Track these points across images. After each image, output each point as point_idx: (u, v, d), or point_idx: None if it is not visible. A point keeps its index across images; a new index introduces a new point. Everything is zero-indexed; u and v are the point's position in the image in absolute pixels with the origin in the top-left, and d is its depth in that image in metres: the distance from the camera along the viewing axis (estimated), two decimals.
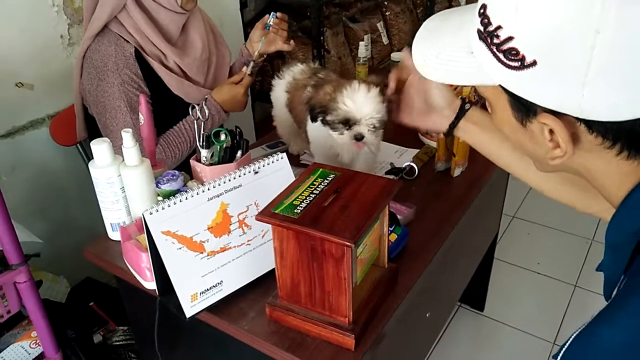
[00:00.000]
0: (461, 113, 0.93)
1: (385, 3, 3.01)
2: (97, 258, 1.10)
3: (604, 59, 0.47)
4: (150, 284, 0.98)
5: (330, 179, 0.89)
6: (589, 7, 0.46)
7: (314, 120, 1.14)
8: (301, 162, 1.41)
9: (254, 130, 2.56)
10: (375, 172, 1.30)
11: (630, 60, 0.46)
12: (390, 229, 1.03)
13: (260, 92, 2.53)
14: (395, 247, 1.03)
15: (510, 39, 0.51)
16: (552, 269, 2.36)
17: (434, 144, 1.35)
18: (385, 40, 2.92)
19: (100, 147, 1.02)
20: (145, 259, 0.96)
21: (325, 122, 1.12)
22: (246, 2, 2.52)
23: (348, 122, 1.08)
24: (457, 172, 1.29)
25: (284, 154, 1.02)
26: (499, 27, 0.52)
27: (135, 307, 1.19)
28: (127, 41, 1.38)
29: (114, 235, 1.11)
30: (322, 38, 2.35)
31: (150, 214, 0.86)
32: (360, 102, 1.06)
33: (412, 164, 1.31)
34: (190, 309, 0.90)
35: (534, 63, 0.50)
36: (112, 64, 1.36)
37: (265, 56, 1.61)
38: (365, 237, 0.85)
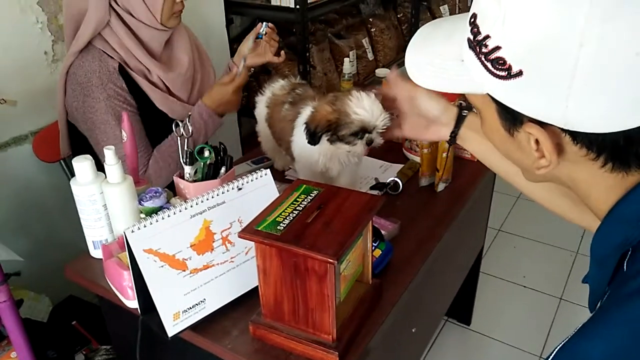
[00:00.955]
0: (460, 121, 0.93)
1: (371, 20, 3.04)
2: (78, 276, 1.09)
3: (587, 71, 0.47)
4: (132, 303, 0.97)
5: (313, 195, 0.89)
6: (573, 21, 0.47)
7: (316, 142, 1.12)
8: (286, 177, 1.41)
9: (240, 146, 2.55)
10: (358, 186, 1.31)
11: (613, 73, 0.47)
12: (375, 244, 1.03)
13: (246, 108, 2.53)
14: (380, 262, 1.03)
15: (497, 48, 0.52)
16: (538, 282, 2.38)
17: (417, 159, 1.35)
18: (370, 56, 2.95)
19: (82, 165, 1.02)
20: (127, 277, 0.95)
21: (335, 139, 1.11)
22: (232, 19, 2.54)
23: (364, 131, 1.09)
24: (441, 187, 1.30)
25: (268, 170, 1.02)
26: (487, 37, 0.53)
27: (117, 326, 1.17)
28: (111, 57, 1.38)
29: (96, 253, 1.10)
30: (307, 54, 2.37)
31: (132, 231, 0.85)
32: (371, 108, 1.07)
33: (396, 179, 1.32)
34: (172, 328, 0.88)
35: (520, 73, 0.51)
36: (97, 79, 1.35)
37: (252, 70, 1.60)
38: (348, 253, 0.84)
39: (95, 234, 1.08)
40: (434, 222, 1.19)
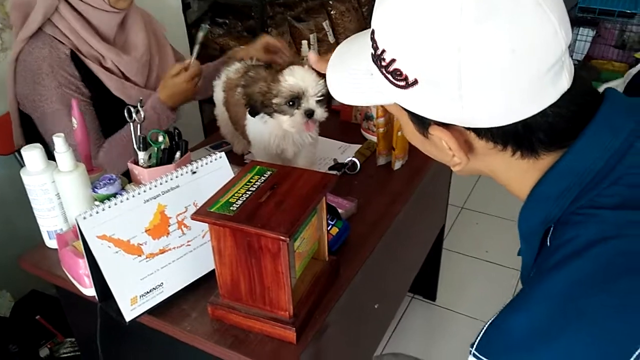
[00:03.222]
0: None
1: (330, 2, 3.03)
2: (34, 267, 1.08)
3: (471, 73, 0.50)
4: (90, 291, 0.96)
5: (267, 175, 0.90)
6: (447, 26, 0.50)
7: (255, 114, 1.13)
8: (245, 161, 1.41)
9: (202, 132, 2.53)
10: (316, 167, 1.32)
11: (495, 71, 0.50)
12: (332, 222, 1.05)
13: None
14: (337, 240, 1.05)
15: (393, 61, 0.55)
16: (500, 256, 2.44)
17: (375, 139, 1.37)
18: (331, 39, 2.95)
19: (31, 153, 1.00)
20: (83, 265, 0.94)
21: (272, 111, 1.11)
22: (189, 4, 2.50)
23: (297, 98, 1.09)
24: (397, 165, 1.32)
25: (223, 154, 1.03)
26: (384, 51, 0.56)
27: (77, 316, 1.16)
28: (62, 42, 1.34)
29: (51, 243, 1.09)
30: None
31: (84, 218, 0.85)
32: (301, 75, 1.09)
33: (354, 159, 1.34)
34: (129, 313, 0.89)
35: (415, 82, 0.54)
36: (47, 66, 1.31)
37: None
38: (301, 231, 0.86)
39: (50, 224, 1.07)
40: (390, 200, 1.22)
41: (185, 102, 1.46)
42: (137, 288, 0.89)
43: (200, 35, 1.41)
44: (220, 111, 1.39)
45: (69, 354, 1.57)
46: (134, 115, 1.06)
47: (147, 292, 0.91)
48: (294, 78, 1.08)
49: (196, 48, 1.42)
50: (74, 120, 1.06)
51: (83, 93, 1.37)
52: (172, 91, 1.40)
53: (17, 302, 1.73)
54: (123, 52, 1.43)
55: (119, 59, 1.41)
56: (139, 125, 1.06)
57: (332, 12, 3.01)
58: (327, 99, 1.12)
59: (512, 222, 2.45)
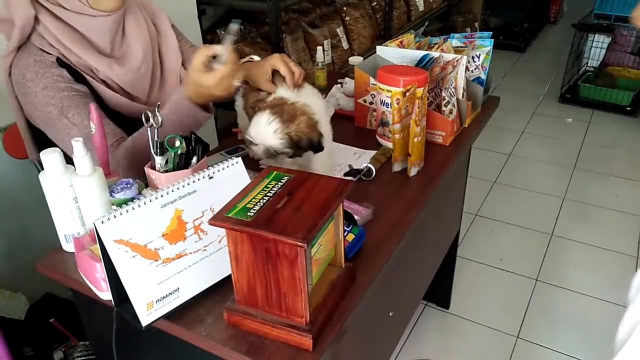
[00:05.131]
0: None
1: (345, 9, 3.05)
2: (51, 271, 1.08)
3: None
4: (106, 295, 0.97)
5: (284, 181, 0.90)
6: None
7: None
8: (261, 166, 1.41)
9: (216, 138, 2.54)
10: (332, 173, 1.31)
11: None
12: (348, 229, 1.04)
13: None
14: (353, 247, 1.04)
15: None
16: (514, 264, 2.42)
17: (390, 145, 1.37)
18: (345, 45, 2.95)
19: (50, 157, 1.00)
20: (100, 269, 0.94)
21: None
22: (204, 10, 2.51)
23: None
24: (413, 171, 1.31)
25: (239, 159, 1.03)
26: None
27: (92, 320, 1.17)
28: (49, 53, 1.21)
29: (69, 247, 1.09)
30: (281, 44, 2.37)
31: (102, 222, 0.85)
32: (257, 130, 1.15)
33: (369, 165, 1.33)
34: (146, 318, 0.88)
35: None
36: (31, 73, 1.19)
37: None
38: (319, 237, 0.85)
39: (67, 228, 1.07)
40: (406, 206, 1.21)
41: (218, 100, 1.22)
42: (154, 293, 0.89)
43: (234, 27, 1.13)
44: (241, 117, 1.39)
45: (82, 357, 1.57)
46: (151, 120, 1.06)
47: (164, 297, 0.91)
48: (252, 131, 1.14)
49: (229, 38, 1.13)
50: (92, 125, 1.06)
51: (77, 89, 1.21)
52: (198, 90, 1.16)
53: (32, 305, 1.75)
54: (120, 62, 1.27)
55: (111, 71, 1.25)
56: (156, 130, 1.06)
57: (346, 19, 3.02)
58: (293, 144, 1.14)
59: (527, 229, 2.46)
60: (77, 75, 1.23)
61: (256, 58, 1.41)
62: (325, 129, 1.20)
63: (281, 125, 1.12)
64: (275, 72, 1.30)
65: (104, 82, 1.26)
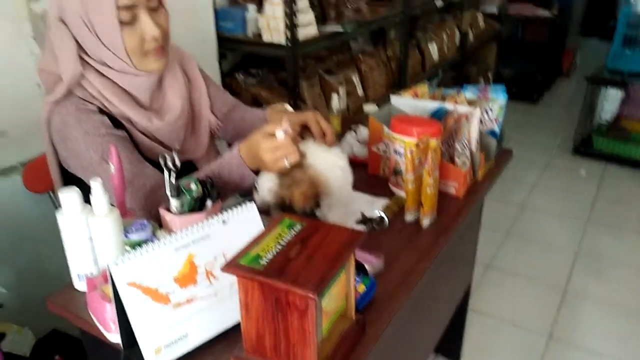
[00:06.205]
0: None
1: (360, 56, 3.12)
2: (61, 309, 1.08)
3: None
4: (114, 336, 0.96)
5: (296, 229, 0.90)
6: None
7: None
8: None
9: None
10: (346, 222, 1.32)
11: None
12: (358, 279, 1.04)
13: None
14: (364, 298, 1.03)
15: None
16: (526, 319, 2.37)
17: (403, 193, 1.37)
18: (360, 92, 3.00)
19: (69, 196, 1.02)
20: (110, 310, 0.94)
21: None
22: (225, 54, 2.59)
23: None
24: (425, 222, 1.31)
25: (253, 204, 1.04)
26: None
27: None
28: (91, 103, 1.24)
29: (80, 285, 1.10)
30: (298, 89, 2.42)
31: (117, 265, 0.86)
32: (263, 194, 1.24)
33: (382, 214, 1.33)
34: None
35: None
36: (73, 119, 1.21)
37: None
38: (329, 288, 0.85)
39: (80, 267, 1.08)
40: (418, 257, 1.20)
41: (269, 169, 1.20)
42: (163, 337, 0.89)
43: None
44: None
45: None
46: (169, 162, 1.08)
47: (172, 343, 0.90)
48: (257, 180, 1.23)
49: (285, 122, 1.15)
50: (111, 165, 1.09)
51: (117, 135, 1.25)
52: (252, 148, 1.19)
53: (38, 340, 1.74)
54: (158, 115, 1.31)
55: (150, 124, 1.29)
56: (172, 173, 1.08)
57: (361, 66, 3.08)
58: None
59: (540, 284, 2.41)
60: (116, 122, 1.27)
61: (289, 108, 1.44)
62: (338, 196, 1.23)
63: (279, 188, 1.19)
64: (304, 128, 1.37)
65: (142, 132, 1.31)
